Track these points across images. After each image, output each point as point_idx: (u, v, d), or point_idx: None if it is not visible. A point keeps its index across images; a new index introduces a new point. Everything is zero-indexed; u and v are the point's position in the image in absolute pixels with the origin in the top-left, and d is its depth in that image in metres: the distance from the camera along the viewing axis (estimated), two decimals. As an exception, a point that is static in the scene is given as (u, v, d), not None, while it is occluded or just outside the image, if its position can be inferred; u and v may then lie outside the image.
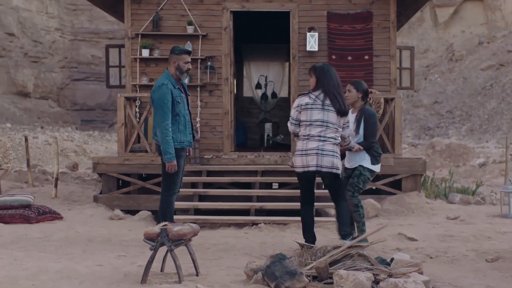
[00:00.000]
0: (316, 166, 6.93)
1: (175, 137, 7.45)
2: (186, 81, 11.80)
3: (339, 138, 7.08)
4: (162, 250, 6.00)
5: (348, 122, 7.20)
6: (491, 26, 45.96)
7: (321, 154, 6.90)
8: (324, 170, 6.95)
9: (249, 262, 5.67)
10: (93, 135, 35.41)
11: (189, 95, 7.89)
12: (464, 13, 47.13)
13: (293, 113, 7.08)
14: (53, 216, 9.63)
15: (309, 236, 7.14)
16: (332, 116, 6.94)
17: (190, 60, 7.77)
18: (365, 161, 7.41)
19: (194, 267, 6.08)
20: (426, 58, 45.93)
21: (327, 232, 9.00)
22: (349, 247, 5.30)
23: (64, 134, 32.35)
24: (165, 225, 5.66)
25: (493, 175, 21.27)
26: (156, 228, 5.63)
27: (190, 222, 9.71)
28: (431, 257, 7.10)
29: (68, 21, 46.73)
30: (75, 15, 47.09)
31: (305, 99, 7.00)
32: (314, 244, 6.89)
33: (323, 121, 6.92)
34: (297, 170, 7.05)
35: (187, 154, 7.79)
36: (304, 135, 6.99)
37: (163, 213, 7.55)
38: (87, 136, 33.88)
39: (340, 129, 7.07)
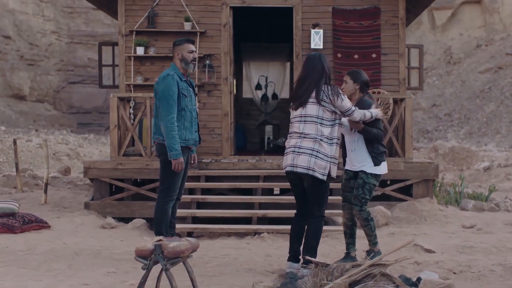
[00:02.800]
0: (291, 166, 6.11)
1: (180, 134, 6.74)
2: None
3: (325, 134, 6.11)
4: (157, 266, 5.31)
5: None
6: (489, 28, 45.74)
7: (297, 152, 6.09)
8: (299, 170, 6.07)
9: (256, 283, 4.99)
10: (89, 138, 34.76)
11: (196, 93, 7.17)
12: (462, 15, 46.93)
13: None
14: (39, 225, 8.92)
15: (292, 251, 6.28)
16: (310, 109, 6.12)
17: (195, 49, 7.02)
18: (367, 165, 6.55)
19: (193, 286, 5.38)
20: (424, 61, 45.57)
21: (335, 243, 8.34)
22: (371, 265, 4.62)
23: (59, 137, 31.68)
24: (160, 240, 4.95)
25: (499, 179, 20.73)
26: (149, 244, 4.92)
27: (187, 231, 9.20)
28: (454, 273, 6.42)
29: (64, 24, 46.34)
30: (71, 18, 46.70)
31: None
32: (297, 262, 6.24)
33: (301, 116, 6.16)
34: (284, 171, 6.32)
35: (192, 162, 7.10)
36: (288, 134, 6.35)
37: (158, 223, 6.89)
38: (82, 139, 33.20)
39: (328, 122, 6.13)
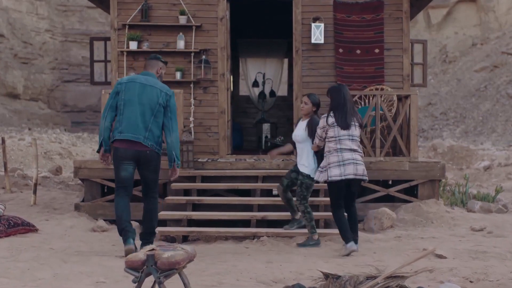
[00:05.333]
0: (354, 175, 7.49)
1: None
2: (178, 76, 10.94)
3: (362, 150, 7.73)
4: (150, 278, 4.83)
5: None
6: (484, 27, 45.52)
7: (356, 163, 7.49)
8: (358, 177, 7.54)
9: (259, 296, 4.51)
10: (82, 137, 34.25)
11: None
12: (457, 14, 46.70)
13: (319, 132, 7.61)
14: (26, 228, 8.42)
15: (350, 236, 7.45)
16: (356, 130, 7.57)
17: None
18: (307, 167, 7.98)
19: (189, 299, 4.91)
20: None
21: (339, 246, 7.88)
22: (388, 277, 4.16)
23: (52, 136, 31.15)
24: (153, 249, 4.46)
25: (500, 178, 20.34)
26: (141, 254, 4.43)
27: (182, 234, 8.71)
28: (471, 281, 5.95)
29: (58, 22, 45.92)
30: (65, 16, 46.29)
31: (330, 119, 7.53)
32: (356, 243, 7.47)
33: (349, 135, 7.52)
34: (334, 179, 7.42)
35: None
36: (335, 149, 7.48)
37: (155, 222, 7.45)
38: (76, 138, 32.69)
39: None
